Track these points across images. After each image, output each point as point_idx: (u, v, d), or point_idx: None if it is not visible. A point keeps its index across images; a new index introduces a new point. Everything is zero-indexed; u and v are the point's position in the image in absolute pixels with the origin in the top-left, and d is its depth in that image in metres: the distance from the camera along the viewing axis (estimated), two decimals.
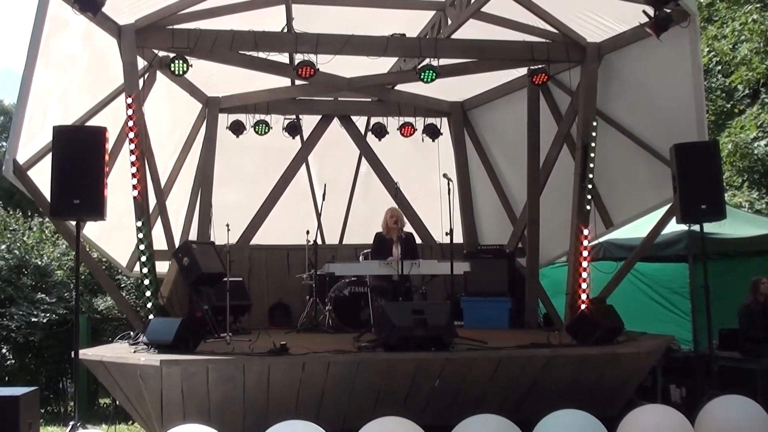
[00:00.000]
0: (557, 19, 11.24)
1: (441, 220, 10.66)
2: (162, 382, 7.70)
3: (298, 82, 13.20)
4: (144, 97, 11.01)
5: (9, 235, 18.31)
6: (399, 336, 8.25)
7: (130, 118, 10.30)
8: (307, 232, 12.61)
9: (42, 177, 9.23)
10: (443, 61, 11.62)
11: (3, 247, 17.00)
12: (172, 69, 10.88)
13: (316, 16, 11.54)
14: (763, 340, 10.34)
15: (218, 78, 12.87)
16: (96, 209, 8.35)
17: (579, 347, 8.74)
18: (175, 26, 10.75)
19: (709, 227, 10.26)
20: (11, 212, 20.28)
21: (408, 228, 11.92)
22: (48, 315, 15.57)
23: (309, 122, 14.63)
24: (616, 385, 8.80)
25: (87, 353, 8.69)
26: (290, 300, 13.34)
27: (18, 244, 17.62)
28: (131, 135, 10.28)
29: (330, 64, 11.29)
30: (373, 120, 14.60)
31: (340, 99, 14.49)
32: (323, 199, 12.85)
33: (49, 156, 8.60)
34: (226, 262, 10.61)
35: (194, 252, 10.48)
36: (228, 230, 10.53)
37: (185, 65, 10.88)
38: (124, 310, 11.71)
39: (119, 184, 10.36)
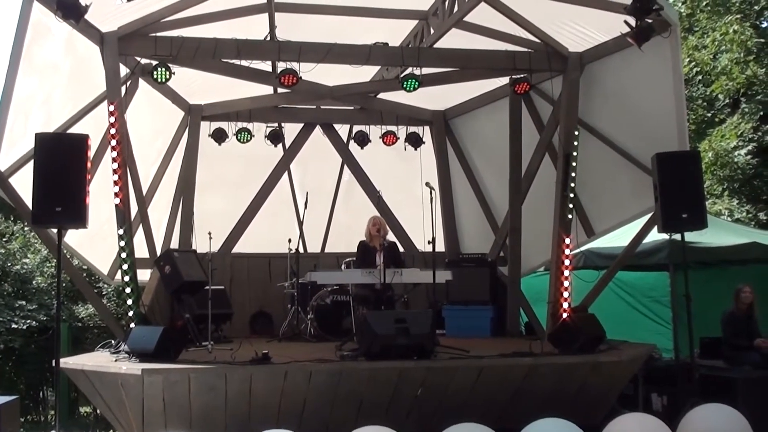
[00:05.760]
0: (539, 29, 11.27)
1: (423, 228, 10.67)
2: (143, 391, 7.68)
3: (280, 90, 13.22)
4: (126, 104, 10.98)
5: None
6: (381, 345, 8.25)
7: (112, 125, 10.25)
8: (289, 241, 12.61)
9: (23, 184, 9.19)
10: (425, 70, 11.63)
11: None
12: (155, 76, 10.85)
13: (299, 25, 11.54)
14: (745, 348, 10.39)
15: (201, 86, 12.83)
16: (78, 217, 8.35)
17: (561, 356, 8.76)
18: (158, 34, 10.71)
19: (690, 236, 10.30)
20: None
21: (390, 236, 11.92)
22: (28, 322, 15.51)
23: (291, 130, 14.61)
24: (598, 394, 8.82)
25: (68, 362, 8.67)
26: (272, 308, 13.31)
27: (2, 251, 17.57)
28: (113, 142, 10.23)
29: (312, 72, 11.29)
30: (356, 128, 14.59)
31: (322, 107, 14.50)
32: (305, 207, 12.82)
33: (31, 163, 8.58)
34: (207, 271, 10.58)
35: (176, 260, 10.47)
36: (210, 238, 10.50)
37: (168, 73, 10.85)
38: (105, 319, 11.66)
39: (101, 192, 10.32)
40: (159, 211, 13.34)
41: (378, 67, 13.03)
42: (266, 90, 13.50)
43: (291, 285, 12.49)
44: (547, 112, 12.32)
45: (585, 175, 11.83)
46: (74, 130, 10.54)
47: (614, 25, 9.94)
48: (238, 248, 14.06)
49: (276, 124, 14.24)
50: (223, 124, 13.81)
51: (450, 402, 8.24)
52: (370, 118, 14.41)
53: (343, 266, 12.13)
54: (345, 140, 14.97)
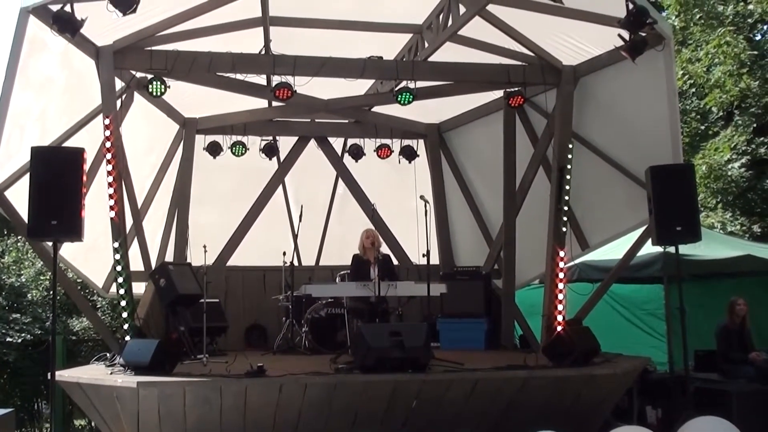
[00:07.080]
0: (533, 42, 11.30)
1: (417, 241, 10.68)
2: (139, 404, 7.68)
3: (275, 103, 13.24)
4: (121, 117, 10.98)
5: None
6: (376, 357, 8.24)
7: (107, 138, 10.27)
8: (284, 254, 12.61)
9: (19, 198, 9.20)
10: (420, 84, 11.65)
11: None
12: (150, 90, 10.88)
13: (294, 38, 11.58)
14: (739, 361, 10.41)
15: (195, 99, 12.84)
16: (73, 230, 8.35)
17: (555, 369, 8.75)
18: (153, 47, 10.75)
19: (684, 249, 10.31)
20: None
21: (384, 249, 11.93)
22: (23, 335, 15.48)
23: (286, 143, 14.62)
24: (593, 407, 8.82)
25: (63, 374, 8.67)
26: (266, 321, 13.28)
27: None
28: (108, 156, 10.25)
29: (307, 85, 11.33)
30: (350, 141, 14.65)
31: (317, 120, 14.51)
32: (300, 220, 12.79)
33: (27, 177, 8.58)
34: (202, 284, 10.58)
35: (171, 273, 10.46)
36: (205, 251, 10.51)
37: (163, 86, 10.88)
38: (100, 331, 11.65)
39: (96, 205, 10.32)
40: (154, 224, 13.35)
41: (372, 81, 13.07)
42: (261, 103, 13.52)
43: (285, 298, 12.45)
44: (541, 125, 12.34)
45: (579, 188, 11.84)
46: (70, 143, 10.55)
47: (608, 38, 9.96)
48: (232, 261, 14.02)
49: (271, 138, 14.25)
50: (218, 138, 13.82)
51: (444, 415, 8.23)
52: (365, 132, 14.45)
53: (337, 279, 12.15)
54: (339, 153, 14.98)
